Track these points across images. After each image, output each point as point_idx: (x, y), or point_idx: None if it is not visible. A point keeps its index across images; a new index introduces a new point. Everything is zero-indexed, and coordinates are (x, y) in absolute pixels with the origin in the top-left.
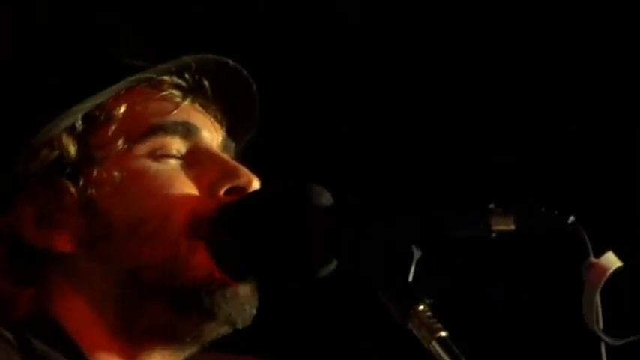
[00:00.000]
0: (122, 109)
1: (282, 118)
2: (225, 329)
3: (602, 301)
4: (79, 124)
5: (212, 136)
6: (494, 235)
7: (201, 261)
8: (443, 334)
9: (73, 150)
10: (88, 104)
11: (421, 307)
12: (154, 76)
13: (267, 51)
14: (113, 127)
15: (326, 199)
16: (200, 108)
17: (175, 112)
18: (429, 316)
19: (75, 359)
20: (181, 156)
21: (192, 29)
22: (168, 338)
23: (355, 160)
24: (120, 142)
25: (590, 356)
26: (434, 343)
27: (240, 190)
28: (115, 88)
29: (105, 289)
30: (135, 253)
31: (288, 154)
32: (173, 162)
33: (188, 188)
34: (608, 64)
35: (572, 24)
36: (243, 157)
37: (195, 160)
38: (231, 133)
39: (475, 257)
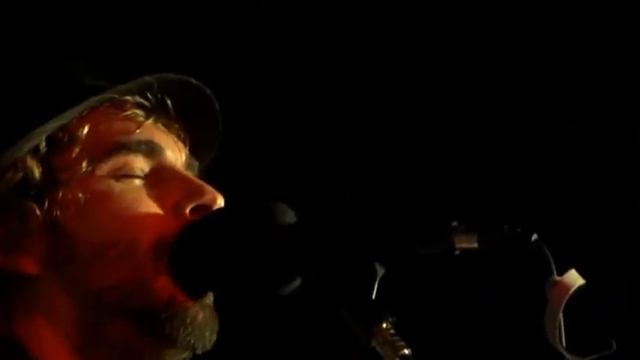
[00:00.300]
0: (85, 129)
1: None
2: (185, 355)
3: (564, 318)
4: (42, 146)
5: (175, 155)
6: (457, 252)
7: (164, 284)
8: (406, 352)
9: (37, 172)
10: (51, 126)
11: (384, 325)
12: (117, 96)
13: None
14: (77, 148)
15: (289, 217)
16: (163, 127)
17: (139, 131)
18: (392, 334)
19: None
20: (145, 175)
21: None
22: None
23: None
24: (84, 162)
25: None
26: None
27: (205, 209)
28: (77, 109)
29: (67, 311)
30: (99, 275)
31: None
32: (137, 182)
33: (153, 209)
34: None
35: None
36: (218, 169)
37: (159, 179)
38: (194, 151)
39: (440, 272)
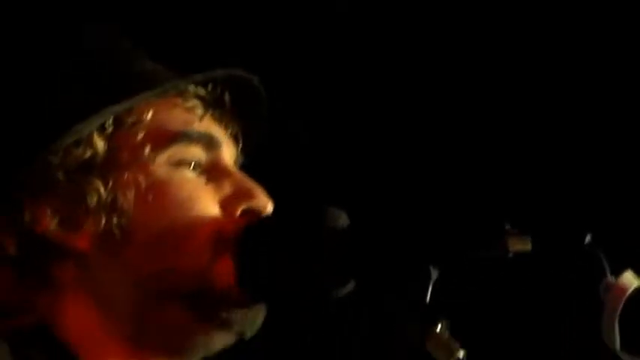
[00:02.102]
0: (150, 114)
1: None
2: (233, 341)
3: (620, 320)
4: (109, 124)
5: (230, 150)
6: (510, 255)
7: (223, 271)
8: (460, 354)
9: (102, 150)
10: (122, 107)
11: (439, 328)
12: (187, 86)
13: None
14: (140, 132)
15: (343, 220)
16: (219, 121)
17: (199, 123)
18: (446, 337)
19: None
20: (202, 168)
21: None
22: (181, 346)
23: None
24: (147, 147)
25: None
26: None
27: (255, 212)
28: (150, 94)
29: (120, 292)
30: (155, 259)
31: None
32: (195, 173)
33: (210, 204)
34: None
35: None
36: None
37: (215, 173)
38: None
39: (491, 277)
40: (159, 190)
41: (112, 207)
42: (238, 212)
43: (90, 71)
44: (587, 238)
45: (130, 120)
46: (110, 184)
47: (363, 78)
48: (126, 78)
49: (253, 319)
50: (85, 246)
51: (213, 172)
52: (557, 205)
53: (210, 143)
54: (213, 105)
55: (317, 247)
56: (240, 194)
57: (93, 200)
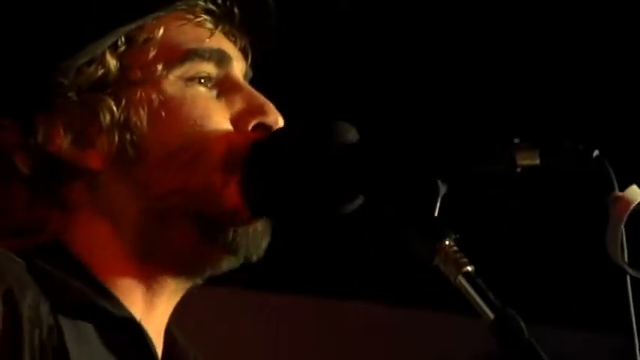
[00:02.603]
0: (161, 31)
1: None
2: (239, 262)
3: (627, 234)
4: (121, 43)
5: (240, 65)
6: (519, 170)
7: (232, 195)
8: (469, 268)
9: (115, 69)
10: (133, 25)
11: (447, 242)
12: (196, 1)
13: None
14: (152, 49)
15: (352, 134)
16: (228, 36)
17: (209, 39)
18: (455, 251)
19: (89, 284)
20: (213, 84)
21: None
22: (187, 265)
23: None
24: (159, 65)
25: (615, 289)
26: (460, 277)
27: (266, 127)
28: (160, 10)
29: (131, 210)
30: (166, 178)
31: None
32: (207, 89)
33: (223, 120)
34: None
35: None
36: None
37: (226, 89)
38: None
39: (499, 193)
40: (172, 107)
41: (124, 125)
42: (250, 127)
43: None
44: (595, 152)
45: (141, 38)
46: (123, 102)
47: None
48: None
49: (258, 244)
50: (98, 165)
51: (224, 87)
52: (565, 119)
53: (221, 59)
54: (223, 19)
55: (326, 161)
56: (252, 109)
57: (106, 118)
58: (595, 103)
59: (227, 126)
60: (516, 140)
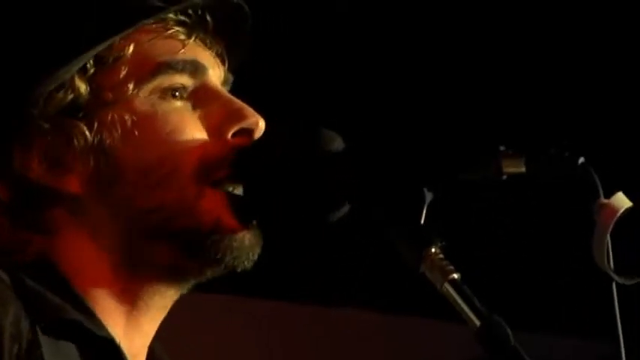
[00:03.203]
0: (131, 48)
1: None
2: (225, 271)
3: (612, 241)
4: (90, 65)
5: (216, 72)
6: (504, 177)
7: (209, 207)
8: (455, 276)
9: (85, 92)
10: (100, 46)
11: (433, 250)
12: (165, 15)
13: None
14: (123, 68)
15: (338, 143)
16: (203, 44)
17: (183, 50)
18: (440, 259)
19: (72, 302)
20: (188, 95)
21: None
22: (172, 278)
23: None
24: (130, 84)
25: (602, 296)
26: (446, 285)
27: (248, 132)
28: (128, 28)
29: (112, 230)
30: (143, 197)
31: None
32: (181, 102)
33: (197, 132)
34: None
35: None
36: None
37: (203, 99)
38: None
39: (486, 200)
40: (144, 125)
41: (98, 148)
42: (230, 135)
43: (65, 12)
44: (581, 159)
45: (111, 57)
46: (95, 125)
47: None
48: (102, 15)
49: (245, 255)
50: (77, 188)
51: (200, 97)
52: (552, 127)
53: (195, 69)
54: (197, 29)
55: (312, 170)
56: (230, 116)
57: (80, 143)
58: (581, 111)
59: (201, 136)
60: (502, 148)
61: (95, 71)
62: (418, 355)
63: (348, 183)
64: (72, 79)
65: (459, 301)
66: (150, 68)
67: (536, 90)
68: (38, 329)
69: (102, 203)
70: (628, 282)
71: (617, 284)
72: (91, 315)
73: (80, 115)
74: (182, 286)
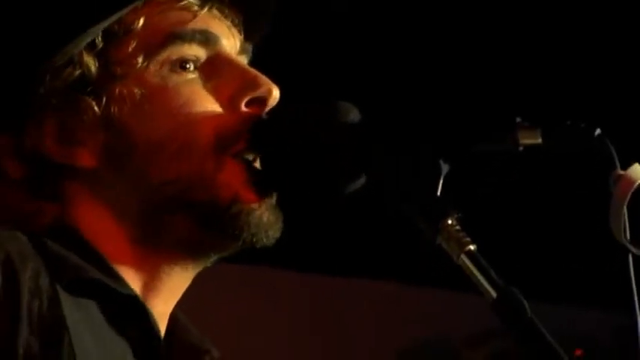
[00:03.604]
0: (141, 21)
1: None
2: (245, 246)
3: (629, 213)
4: (98, 41)
5: (230, 42)
6: (521, 149)
7: (226, 180)
8: (471, 247)
9: (93, 67)
10: (108, 21)
11: (450, 221)
12: None
13: None
14: (132, 41)
15: (354, 115)
16: (218, 14)
17: (194, 20)
18: (457, 230)
19: (94, 263)
20: (200, 66)
21: None
22: (192, 252)
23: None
24: (140, 56)
25: (617, 267)
26: (462, 256)
27: (261, 101)
28: (138, 3)
29: (128, 202)
30: (159, 170)
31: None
32: (192, 74)
33: (209, 103)
34: None
35: None
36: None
37: (215, 69)
38: (246, 34)
39: (503, 172)
40: (154, 98)
41: (108, 122)
42: (243, 104)
43: None
44: (597, 131)
45: (120, 31)
46: (104, 99)
47: None
48: None
49: (264, 232)
50: (90, 162)
51: (213, 67)
52: (568, 98)
53: (207, 39)
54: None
55: (330, 141)
56: (244, 85)
57: (89, 117)
58: (598, 83)
59: (214, 108)
60: (518, 120)
61: (104, 46)
62: (435, 326)
63: (365, 154)
64: (80, 54)
65: (475, 272)
66: (159, 40)
67: (553, 62)
68: (58, 287)
69: (117, 176)
70: None
71: (634, 256)
72: (115, 275)
73: (89, 89)
74: (202, 260)
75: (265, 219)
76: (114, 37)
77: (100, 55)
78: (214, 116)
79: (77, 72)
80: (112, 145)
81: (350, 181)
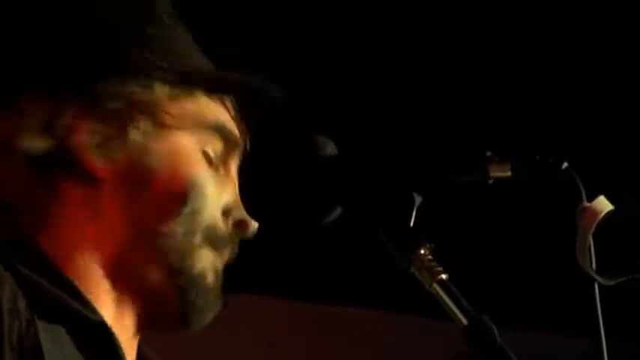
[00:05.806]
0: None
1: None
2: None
3: (595, 243)
4: (168, 85)
5: (237, 158)
6: (491, 181)
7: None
8: (443, 276)
9: (159, 100)
10: (191, 78)
11: (422, 251)
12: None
13: None
14: (189, 106)
15: (331, 148)
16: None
17: (231, 123)
18: (429, 260)
19: (60, 285)
20: (217, 162)
21: None
22: (153, 313)
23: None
24: (189, 121)
25: (584, 296)
26: (435, 285)
27: (242, 226)
28: (217, 88)
29: (119, 228)
30: (158, 219)
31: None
32: (215, 169)
33: (217, 201)
34: None
35: None
36: None
37: (223, 176)
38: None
39: (472, 203)
40: (187, 164)
41: (143, 153)
42: (233, 220)
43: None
44: (564, 164)
45: (184, 95)
46: (151, 134)
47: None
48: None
49: (206, 317)
50: (106, 174)
51: (223, 173)
52: (536, 133)
53: (234, 145)
54: (236, 107)
55: (307, 173)
56: (236, 206)
57: (130, 138)
58: (566, 116)
59: (217, 214)
60: (489, 153)
61: (170, 92)
62: (407, 351)
63: (341, 187)
64: (153, 85)
65: (447, 300)
66: (208, 122)
67: (522, 97)
68: (34, 312)
69: (121, 199)
70: (609, 283)
71: (599, 284)
72: (85, 301)
73: (147, 117)
74: (150, 326)
75: (211, 299)
76: (178, 91)
77: (169, 97)
78: (217, 209)
79: (148, 97)
80: (135, 172)
81: (326, 214)
